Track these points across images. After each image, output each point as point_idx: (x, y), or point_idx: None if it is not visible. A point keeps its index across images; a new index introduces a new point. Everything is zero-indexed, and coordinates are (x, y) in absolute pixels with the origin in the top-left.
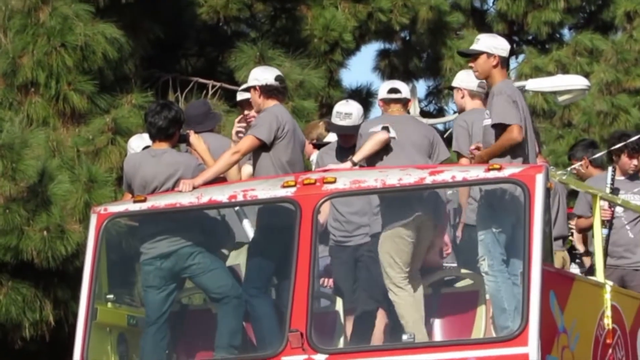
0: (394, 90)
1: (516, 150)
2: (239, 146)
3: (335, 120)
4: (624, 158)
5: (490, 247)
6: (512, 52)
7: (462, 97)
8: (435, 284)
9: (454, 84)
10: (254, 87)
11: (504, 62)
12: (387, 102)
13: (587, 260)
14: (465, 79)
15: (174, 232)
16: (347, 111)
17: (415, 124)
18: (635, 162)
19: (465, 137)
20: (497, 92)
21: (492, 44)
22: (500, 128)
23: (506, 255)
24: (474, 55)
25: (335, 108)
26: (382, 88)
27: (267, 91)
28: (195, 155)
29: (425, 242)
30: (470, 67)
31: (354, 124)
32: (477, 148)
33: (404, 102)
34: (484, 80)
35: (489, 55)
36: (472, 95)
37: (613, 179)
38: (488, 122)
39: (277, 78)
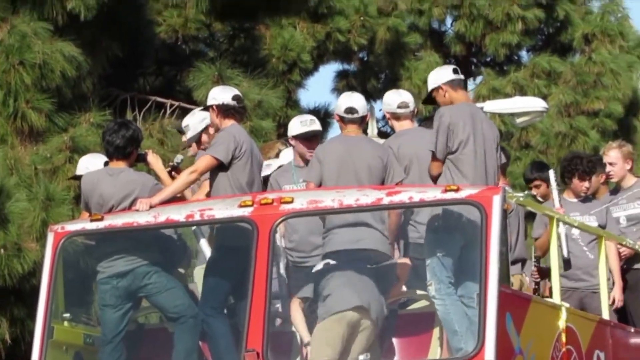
0: (350, 110)
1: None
2: (197, 165)
3: (302, 128)
4: (575, 181)
5: (436, 271)
6: (471, 74)
7: (389, 120)
8: (390, 305)
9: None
10: (211, 107)
11: (455, 84)
12: (344, 121)
13: None
14: (385, 101)
15: (130, 251)
16: (310, 118)
17: (370, 146)
18: (586, 184)
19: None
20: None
21: (432, 78)
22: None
23: (455, 277)
24: (432, 98)
25: (297, 119)
26: (340, 104)
27: (224, 110)
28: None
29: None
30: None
31: (319, 128)
32: None
33: (360, 122)
34: (405, 100)
35: (436, 89)
36: (396, 117)
37: (558, 183)
38: None
39: (235, 97)
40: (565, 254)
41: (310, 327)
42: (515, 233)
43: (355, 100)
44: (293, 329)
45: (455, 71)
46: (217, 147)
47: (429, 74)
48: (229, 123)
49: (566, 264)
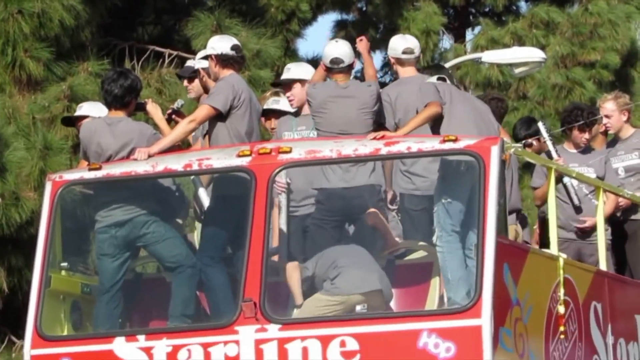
0: (336, 61)
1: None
2: (195, 115)
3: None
4: (575, 132)
5: (440, 218)
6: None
7: (394, 65)
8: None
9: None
10: (210, 56)
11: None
12: (331, 71)
13: None
14: (390, 46)
15: (129, 200)
16: (287, 67)
17: (359, 92)
18: (586, 135)
19: (388, 112)
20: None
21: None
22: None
23: (459, 226)
24: None
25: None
26: (326, 54)
27: (223, 60)
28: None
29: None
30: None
31: (289, 77)
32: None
33: (348, 70)
34: (410, 46)
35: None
36: (400, 62)
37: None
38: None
39: (234, 47)
40: (575, 201)
41: (307, 290)
42: (510, 183)
43: (340, 50)
44: None
45: None
46: (216, 97)
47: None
48: (227, 73)
49: (577, 209)
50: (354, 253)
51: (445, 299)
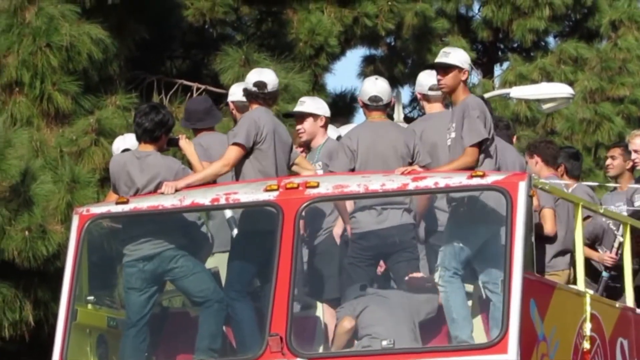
0: (375, 99)
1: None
2: (228, 159)
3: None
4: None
5: (445, 258)
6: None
7: (421, 101)
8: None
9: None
10: (228, 103)
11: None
12: (368, 108)
13: None
14: (418, 81)
15: (156, 234)
16: (301, 100)
17: (397, 131)
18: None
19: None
20: (469, 107)
21: (464, 58)
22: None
23: (462, 270)
24: (444, 69)
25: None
26: (365, 91)
27: (246, 95)
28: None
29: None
30: (438, 81)
31: (303, 110)
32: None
33: (384, 108)
34: (435, 83)
35: (460, 69)
36: (427, 98)
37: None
38: (453, 136)
39: (256, 83)
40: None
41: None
42: (565, 223)
43: (379, 87)
44: (317, 313)
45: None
46: (239, 134)
47: (449, 48)
48: (253, 107)
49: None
50: (391, 311)
51: (453, 338)
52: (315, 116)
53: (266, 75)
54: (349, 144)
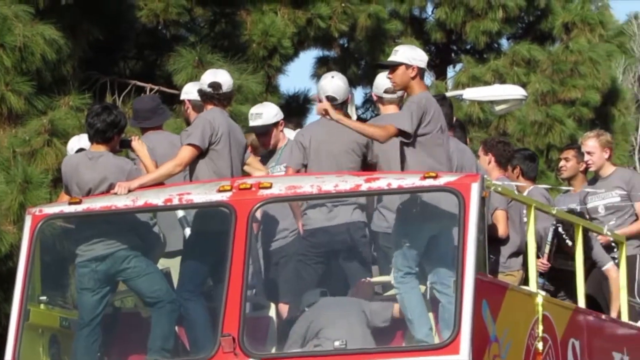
0: (330, 99)
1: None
2: (181, 159)
3: (250, 122)
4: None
5: (397, 260)
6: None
7: (376, 103)
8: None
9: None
10: (183, 101)
11: (422, 74)
12: (381, 100)
13: None
14: (375, 83)
15: (110, 234)
16: (257, 112)
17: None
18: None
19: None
20: (410, 101)
21: (411, 55)
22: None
23: (415, 268)
24: (392, 67)
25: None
26: (321, 88)
27: (201, 95)
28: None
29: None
30: (389, 79)
31: (264, 123)
32: None
33: (340, 107)
34: (391, 86)
35: (408, 66)
36: (381, 101)
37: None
38: None
39: (211, 84)
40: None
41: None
42: (517, 223)
43: (335, 86)
44: (270, 314)
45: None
46: (194, 135)
47: (400, 46)
48: (209, 107)
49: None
50: (343, 313)
51: (409, 338)
52: (276, 124)
53: (221, 76)
54: (302, 140)
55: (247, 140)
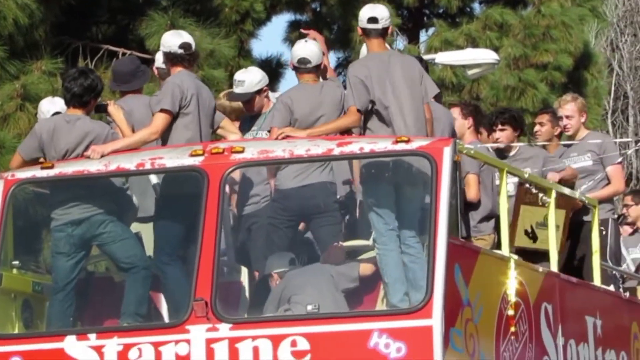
0: (303, 61)
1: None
2: (156, 127)
3: (233, 88)
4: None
5: (374, 221)
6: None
7: (361, 36)
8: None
9: None
10: (164, 53)
11: (367, 33)
12: (299, 71)
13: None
14: (360, 17)
15: (85, 199)
16: (240, 78)
17: (330, 90)
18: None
19: (360, 90)
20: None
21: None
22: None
23: (392, 225)
24: None
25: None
26: (294, 54)
27: (171, 58)
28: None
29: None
30: None
31: (246, 91)
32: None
33: (315, 70)
34: (375, 15)
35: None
36: (366, 33)
37: None
38: None
39: (182, 45)
40: None
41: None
42: (490, 187)
43: (308, 50)
44: (242, 279)
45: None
46: (164, 100)
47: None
48: (176, 70)
49: None
50: (312, 279)
51: (385, 301)
52: (259, 92)
53: (188, 37)
54: (287, 101)
55: (225, 103)
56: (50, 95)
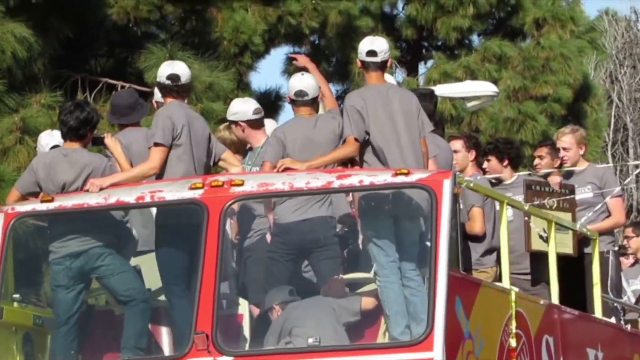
0: (300, 94)
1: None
2: (154, 161)
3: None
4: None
5: (374, 253)
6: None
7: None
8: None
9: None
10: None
11: (366, 66)
12: (295, 103)
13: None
14: (360, 49)
15: (84, 231)
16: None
17: (325, 124)
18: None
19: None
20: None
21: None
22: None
23: (393, 257)
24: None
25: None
26: (291, 86)
27: (160, 89)
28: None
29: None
30: None
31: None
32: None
33: (312, 103)
34: (374, 48)
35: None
36: (365, 66)
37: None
38: None
39: (169, 76)
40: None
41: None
42: (492, 221)
43: (305, 83)
44: (243, 311)
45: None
46: (157, 134)
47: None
48: (167, 101)
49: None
50: (314, 312)
51: (386, 334)
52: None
53: (178, 68)
54: (280, 136)
55: (217, 136)
56: (49, 128)
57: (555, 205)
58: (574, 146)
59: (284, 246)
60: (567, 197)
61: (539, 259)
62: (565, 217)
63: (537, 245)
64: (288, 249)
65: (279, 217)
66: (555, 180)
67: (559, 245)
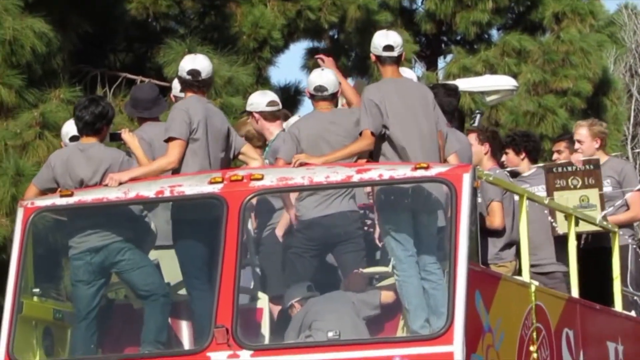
0: (320, 89)
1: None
2: (172, 155)
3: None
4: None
5: (393, 247)
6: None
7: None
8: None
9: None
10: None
11: (382, 60)
12: (315, 98)
13: None
14: (374, 44)
15: (104, 226)
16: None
17: (345, 119)
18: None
19: (375, 114)
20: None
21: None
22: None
23: (411, 250)
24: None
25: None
26: (311, 81)
27: (181, 83)
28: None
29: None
30: None
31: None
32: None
33: (331, 98)
34: (391, 43)
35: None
36: (381, 61)
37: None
38: None
39: (190, 72)
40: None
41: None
42: (511, 215)
43: (325, 78)
44: (263, 305)
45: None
46: (171, 128)
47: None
48: (187, 95)
49: None
50: (334, 306)
51: (406, 328)
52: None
53: (200, 62)
54: (295, 132)
55: (243, 130)
56: None
57: (580, 183)
58: (588, 139)
59: (309, 242)
60: (592, 172)
61: (564, 245)
62: (592, 193)
63: (564, 228)
64: (312, 244)
65: (301, 214)
66: (577, 157)
67: (585, 225)
